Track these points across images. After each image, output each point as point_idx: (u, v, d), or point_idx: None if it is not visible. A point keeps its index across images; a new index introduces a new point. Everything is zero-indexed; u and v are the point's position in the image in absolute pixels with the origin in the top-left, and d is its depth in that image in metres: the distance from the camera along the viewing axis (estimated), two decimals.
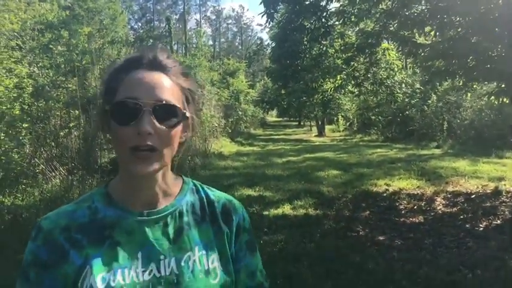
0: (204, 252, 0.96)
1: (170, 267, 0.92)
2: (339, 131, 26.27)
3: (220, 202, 1.05)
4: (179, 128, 0.93)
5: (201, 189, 1.07)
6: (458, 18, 5.94)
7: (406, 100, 17.68)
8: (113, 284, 0.87)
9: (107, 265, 0.88)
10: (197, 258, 0.95)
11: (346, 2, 7.40)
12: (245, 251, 1.04)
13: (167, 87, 0.91)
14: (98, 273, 0.87)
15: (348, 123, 25.98)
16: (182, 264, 0.93)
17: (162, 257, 0.92)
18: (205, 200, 1.04)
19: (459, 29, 6.12)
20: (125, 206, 0.94)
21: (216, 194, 1.07)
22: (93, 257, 0.88)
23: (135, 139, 0.86)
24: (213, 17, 64.90)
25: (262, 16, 7.36)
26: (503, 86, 6.22)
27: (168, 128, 0.89)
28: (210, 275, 0.95)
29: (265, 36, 62.82)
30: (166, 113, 0.89)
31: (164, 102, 0.88)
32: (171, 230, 0.95)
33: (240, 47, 66.98)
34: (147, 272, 0.90)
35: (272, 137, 25.25)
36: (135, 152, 0.86)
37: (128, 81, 0.90)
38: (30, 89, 7.22)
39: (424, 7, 6.43)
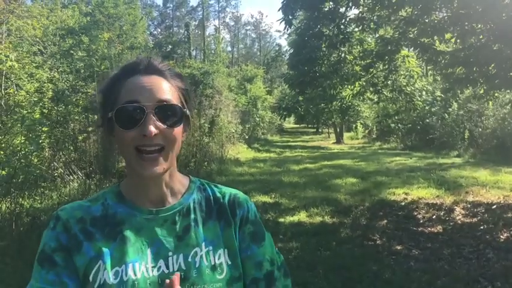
0: (210, 248, 0.99)
1: (178, 263, 0.95)
2: (358, 139, 26.09)
3: (225, 198, 1.08)
4: (181, 126, 0.97)
5: (207, 187, 1.10)
6: (479, 26, 5.84)
7: (427, 108, 17.44)
8: (125, 279, 0.90)
9: (119, 260, 0.92)
10: (204, 254, 0.98)
11: (366, 8, 7.35)
12: (248, 242, 1.05)
13: (166, 88, 0.95)
14: (111, 268, 0.91)
15: (366, 131, 25.78)
16: (189, 260, 0.96)
17: (170, 253, 0.96)
18: (211, 197, 1.07)
19: (480, 36, 6.02)
20: (135, 204, 0.99)
21: (222, 190, 1.10)
22: (106, 252, 0.92)
23: (140, 140, 0.90)
24: (232, 23, 65.23)
25: (281, 23, 7.35)
26: None
27: (171, 127, 0.93)
28: (216, 270, 0.97)
29: (283, 42, 62.90)
30: (168, 112, 0.93)
31: (165, 102, 0.93)
32: (179, 228, 0.99)
33: (259, 53, 67.15)
34: (156, 268, 0.94)
35: (289, 143, 25.20)
36: (142, 155, 0.91)
37: (128, 87, 0.94)
38: (50, 93, 7.33)
39: (444, 14, 6.34)
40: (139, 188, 0.99)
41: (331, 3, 7.47)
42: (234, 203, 1.07)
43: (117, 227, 0.96)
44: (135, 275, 0.91)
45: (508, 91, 8.00)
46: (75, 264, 0.92)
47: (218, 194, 1.08)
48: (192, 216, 1.02)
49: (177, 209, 1.01)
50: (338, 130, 26.08)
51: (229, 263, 1.00)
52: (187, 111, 0.99)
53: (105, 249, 0.92)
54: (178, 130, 0.95)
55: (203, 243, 0.99)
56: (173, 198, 1.02)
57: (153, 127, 0.89)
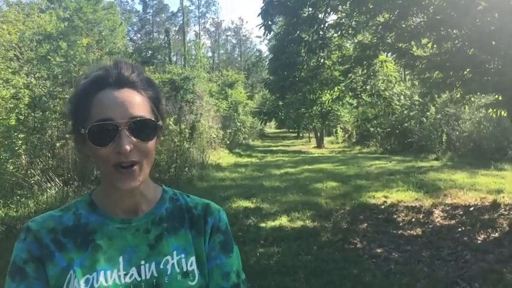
0: (182, 255, 1.00)
1: (150, 271, 0.96)
2: (338, 143, 26.31)
3: (197, 207, 1.09)
4: (155, 138, 0.97)
5: (180, 197, 1.11)
6: (455, 31, 5.96)
7: (405, 112, 17.69)
8: (96, 286, 0.91)
9: (90, 268, 0.93)
10: (175, 262, 0.99)
11: (344, 14, 7.43)
12: (218, 251, 1.05)
13: (137, 102, 0.94)
14: (82, 276, 0.91)
15: (346, 135, 26.01)
16: (161, 267, 0.97)
17: (142, 262, 0.97)
18: (184, 206, 1.08)
19: (456, 41, 6.13)
20: (107, 213, 0.99)
21: (194, 200, 1.11)
22: (77, 262, 0.93)
23: (116, 157, 0.90)
24: (212, 29, 65.30)
25: (260, 28, 7.38)
26: (500, 98, 6.22)
27: (145, 141, 0.94)
28: (188, 277, 0.99)
29: (264, 48, 63.08)
30: (141, 127, 0.93)
31: (138, 118, 0.92)
32: (151, 236, 1.00)
33: (239, 59, 67.26)
34: (128, 276, 0.95)
35: (271, 148, 25.27)
36: (119, 169, 0.91)
37: (99, 102, 0.92)
38: (27, 99, 7.20)
39: (421, 19, 6.45)
40: (112, 198, 0.99)
41: (310, 9, 7.54)
42: (206, 212, 1.08)
43: (89, 236, 0.96)
44: (106, 282, 0.92)
45: (484, 95, 8.16)
46: (47, 275, 0.91)
47: (190, 204, 1.09)
48: (165, 225, 1.02)
49: (150, 218, 1.02)
50: (318, 134, 26.26)
51: (198, 271, 1.01)
52: (160, 122, 0.98)
53: (76, 259, 0.93)
54: (152, 143, 0.96)
55: (175, 252, 1.00)
56: (146, 207, 1.02)
57: (127, 144, 0.89)
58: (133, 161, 0.91)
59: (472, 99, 7.81)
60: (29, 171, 7.06)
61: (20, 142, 6.14)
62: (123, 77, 0.95)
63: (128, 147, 0.89)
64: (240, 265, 1.09)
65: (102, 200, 1.00)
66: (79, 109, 0.95)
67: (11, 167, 5.88)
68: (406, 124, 18.01)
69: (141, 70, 1.01)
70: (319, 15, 7.62)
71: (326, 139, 27.77)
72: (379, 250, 5.22)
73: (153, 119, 0.96)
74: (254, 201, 7.97)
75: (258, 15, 7.28)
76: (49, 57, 8.55)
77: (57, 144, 7.85)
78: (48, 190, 6.99)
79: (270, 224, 6.45)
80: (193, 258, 1.01)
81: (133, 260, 0.96)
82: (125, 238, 0.97)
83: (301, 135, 38.19)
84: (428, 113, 16.76)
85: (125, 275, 0.94)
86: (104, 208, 0.99)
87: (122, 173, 0.91)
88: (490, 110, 6.50)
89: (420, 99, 16.17)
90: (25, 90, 7.28)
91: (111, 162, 0.90)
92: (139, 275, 0.95)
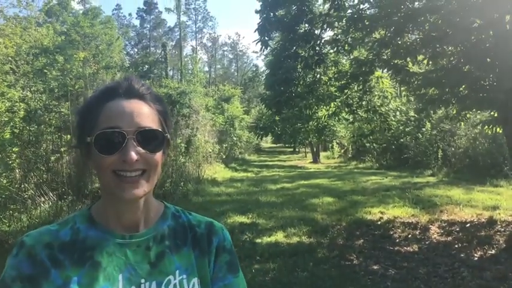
0: (184, 276, 0.97)
1: None
2: (334, 158, 26.29)
3: (201, 226, 1.06)
4: (161, 150, 0.96)
5: (182, 214, 1.08)
6: (450, 48, 6.01)
7: (401, 128, 17.77)
8: None
9: (88, 286, 0.88)
10: (177, 282, 0.95)
11: (340, 31, 7.50)
12: (225, 272, 1.03)
13: (146, 113, 0.94)
14: None
15: (342, 150, 26.04)
16: (163, 287, 0.94)
17: (142, 280, 0.93)
18: (186, 224, 1.05)
19: (451, 58, 6.18)
20: (107, 228, 0.96)
21: (196, 218, 1.08)
22: (74, 279, 0.88)
23: (120, 165, 0.88)
24: (209, 44, 65.66)
25: (257, 43, 7.45)
26: (495, 115, 6.25)
27: (153, 152, 0.92)
28: None
29: (260, 63, 63.45)
30: (149, 137, 0.92)
31: (146, 128, 0.91)
32: (152, 254, 0.96)
33: (236, 74, 67.58)
34: None
35: (267, 163, 25.22)
36: (122, 177, 0.89)
37: (108, 111, 0.91)
38: (22, 113, 7.17)
39: (416, 36, 6.51)
40: (113, 212, 0.96)
41: (306, 25, 7.60)
42: (210, 231, 1.06)
43: (87, 252, 0.92)
44: None
45: (479, 111, 8.20)
46: None
47: (193, 222, 1.07)
48: (167, 243, 0.99)
49: (151, 234, 0.98)
50: (314, 149, 26.29)
51: None
52: (168, 134, 0.98)
53: (73, 277, 0.88)
54: (159, 154, 0.94)
55: (177, 271, 0.97)
56: (147, 223, 0.99)
57: (134, 153, 0.88)
58: (138, 169, 0.89)
59: (468, 115, 7.84)
60: (22, 185, 7.00)
61: (14, 156, 6.09)
62: (133, 89, 0.95)
63: (134, 157, 0.87)
64: (245, 284, 1.07)
65: (101, 215, 0.97)
66: (87, 119, 0.93)
67: (4, 181, 5.82)
68: (402, 140, 18.05)
69: (151, 87, 1.01)
70: (316, 32, 7.68)
71: (322, 154, 27.80)
72: (375, 267, 5.18)
73: (160, 130, 0.95)
74: (250, 216, 7.92)
75: (255, 31, 7.35)
76: (45, 70, 8.55)
77: (52, 158, 7.81)
78: (41, 204, 6.93)
79: (266, 239, 6.40)
80: (195, 280, 0.98)
81: (133, 278, 0.92)
82: (125, 254, 0.94)
83: (297, 150, 38.21)
84: (424, 129, 16.82)
85: None
86: (104, 223, 0.96)
87: (125, 181, 0.89)
88: (486, 127, 6.54)
89: (416, 115, 16.32)
90: (20, 103, 7.25)
91: (112, 169, 0.89)
92: None
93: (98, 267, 0.90)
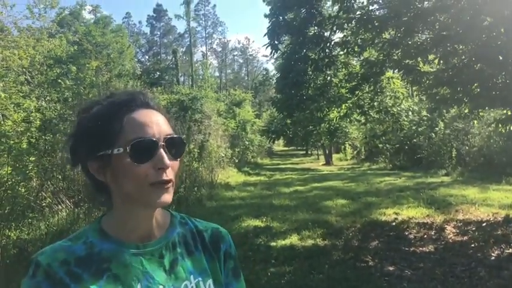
0: (200, 278, 1.00)
1: None
2: (347, 160, 26.20)
3: (208, 231, 1.10)
4: (182, 156, 1.00)
5: (188, 220, 1.11)
6: (461, 47, 5.98)
7: (413, 128, 17.65)
8: None
9: None
10: (194, 286, 0.99)
11: (350, 32, 7.50)
12: (231, 278, 1.08)
13: (166, 122, 0.98)
14: None
15: (355, 152, 25.92)
16: None
17: (161, 287, 0.95)
18: (194, 230, 1.09)
19: (463, 57, 6.15)
20: (120, 239, 0.97)
21: (203, 224, 1.12)
22: None
23: (153, 175, 0.91)
24: (219, 49, 65.90)
25: (267, 48, 7.50)
26: (509, 113, 6.20)
27: (177, 158, 0.97)
28: None
29: (270, 67, 63.47)
30: (174, 144, 0.96)
31: (171, 135, 0.96)
32: (166, 262, 0.99)
33: (246, 78, 67.75)
34: None
35: (279, 166, 25.21)
36: (158, 185, 0.92)
37: (133, 122, 0.93)
38: (38, 122, 7.29)
39: (427, 36, 6.49)
40: (129, 223, 0.97)
41: (315, 27, 7.62)
42: (217, 237, 1.10)
43: (104, 264, 0.93)
44: None
45: (492, 110, 8.14)
46: None
47: (200, 227, 1.10)
48: (178, 250, 1.02)
49: (163, 243, 1.01)
50: (327, 152, 26.21)
51: None
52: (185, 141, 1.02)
53: None
54: (180, 161, 0.99)
55: (191, 276, 1.00)
56: (158, 233, 1.02)
57: (167, 160, 0.92)
58: (170, 177, 0.93)
59: (481, 113, 7.78)
60: (40, 194, 7.10)
61: (31, 165, 6.20)
62: (149, 101, 0.99)
63: (168, 163, 0.91)
64: (244, 286, 1.13)
65: (114, 227, 0.98)
66: (107, 132, 0.92)
67: (23, 190, 5.92)
68: (415, 140, 17.94)
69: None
70: (325, 34, 7.70)
71: (335, 156, 27.70)
72: (391, 268, 5.16)
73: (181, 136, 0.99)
74: (264, 220, 7.94)
75: (264, 35, 7.40)
76: (59, 80, 8.68)
77: (68, 167, 7.91)
78: (59, 212, 7.02)
79: (281, 243, 6.41)
80: (210, 281, 1.01)
81: (152, 286, 0.94)
82: (141, 264, 0.95)
83: (309, 152, 38.13)
84: (437, 128, 16.71)
85: None
86: (117, 235, 0.97)
87: (162, 189, 0.92)
88: (500, 125, 6.48)
89: (428, 115, 16.19)
90: (36, 113, 7.37)
91: (149, 181, 0.91)
92: None
93: (116, 279, 0.92)
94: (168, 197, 0.93)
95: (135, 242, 0.97)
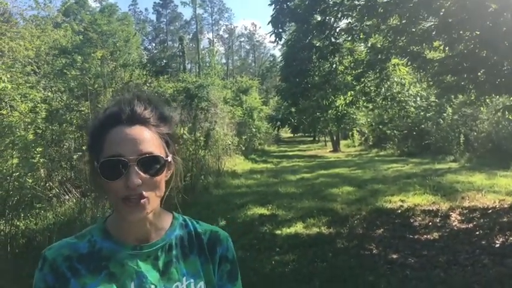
0: (192, 280, 1.05)
1: None
2: (354, 146, 26.12)
3: (206, 234, 1.14)
4: (163, 172, 1.01)
5: (189, 223, 1.15)
6: (467, 33, 5.91)
7: (421, 113, 17.51)
8: None
9: None
10: (185, 287, 1.04)
11: (354, 19, 7.42)
12: (225, 281, 1.12)
13: (147, 139, 0.99)
14: None
15: (363, 138, 25.82)
16: None
17: (153, 286, 1.00)
18: (193, 233, 1.13)
19: (468, 43, 6.08)
20: (120, 240, 1.04)
21: (203, 227, 1.15)
22: (91, 285, 0.97)
23: (124, 191, 0.95)
24: (226, 36, 65.61)
25: (271, 35, 7.44)
26: None
27: (153, 176, 0.98)
28: None
29: (278, 53, 63.13)
30: (150, 163, 0.98)
31: (147, 155, 0.97)
32: (161, 263, 1.04)
33: (253, 64, 67.48)
34: None
35: (286, 153, 25.21)
36: (127, 202, 0.96)
37: (111, 139, 0.97)
38: (44, 113, 7.35)
39: (432, 23, 6.41)
40: (124, 226, 1.03)
41: (320, 15, 7.55)
42: (214, 240, 1.13)
43: (102, 262, 1.01)
44: None
45: (498, 96, 8.06)
46: None
47: (199, 230, 1.14)
48: (174, 252, 1.07)
49: (160, 245, 1.06)
50: (334, 138, 26.12)
51: None
52: (169, 158, 1.03)
53: (90, 284, 0.97)
54: (160, 177, 1.00)
55: (184, 278, 1.04)
56: (156, 235, 1.07)
57: (136, 179, 0.94)
58: (141, 194, 0.95)
59: (488, 100, 7.71)
60: (47, 184, 7.18)
61: (38, 156, 6.26)
62: (135, 114, 1.00)
63: (136, 183, 0.93)
64: None
65: (115, 228, 1.05)
66: (94, 144, 1.01)
67: (30, 180, 6.00)
68: (423, 126, 17.83)
69: (157, 105, 1.06)
70: (330, 21, 7.62)
71: (342, 143, 27.61)
72: (395, 256, 5.19)
73: (161, 155, 1.00)
74: (269, 208, 7.98)
75: (268, 23, 7.34)
76: (65, 71, 8.72)
77: (74, 157, 7.99)
78: (66, 202, 7.11)
79: (286, 231, 6.45)
80: (202, 283, 1.05)
81: (144, 285, 1.00)
82: (136, 264, 1.01)
83: (317, 139, 38.05)
84: (445, 114, 16.57)
85: None
86: (117, 235, 1.04)
87: (130, 206, 0.95)
88: (507, 112, 6.43)
89: (437, 100, 16.05)
90: (42, 104, 7.43)
91: (120, 196, 0.95)
92: None
93: (112, 277, 0.99)
94: (138, 214, 0.96)
95: (133, 243, 1.03)
